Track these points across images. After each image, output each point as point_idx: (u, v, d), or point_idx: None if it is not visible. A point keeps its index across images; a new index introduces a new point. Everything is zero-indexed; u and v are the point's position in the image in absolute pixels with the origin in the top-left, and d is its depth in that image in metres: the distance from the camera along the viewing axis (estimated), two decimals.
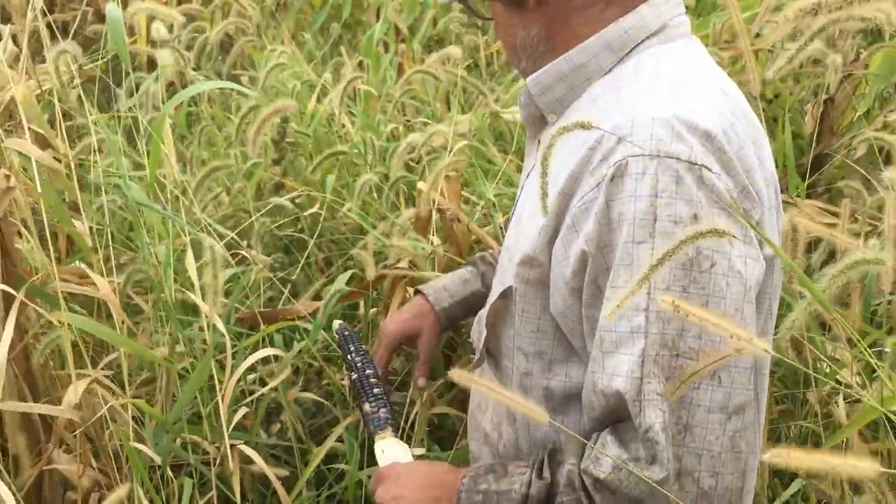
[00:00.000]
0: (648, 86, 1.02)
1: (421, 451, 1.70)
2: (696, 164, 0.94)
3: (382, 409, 1.35)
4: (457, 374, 0.93)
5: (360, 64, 3.54)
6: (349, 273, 1.73)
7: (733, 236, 0.93)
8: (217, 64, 4.02)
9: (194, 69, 3.19)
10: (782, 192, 2.38)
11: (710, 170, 0.95)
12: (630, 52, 1.07)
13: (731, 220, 0.95)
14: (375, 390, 1.38)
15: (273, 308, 2.03)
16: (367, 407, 1.36)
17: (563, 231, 1.02)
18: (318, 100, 2.56)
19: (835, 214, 1.73)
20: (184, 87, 3.10)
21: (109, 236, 1.54)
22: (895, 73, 2.38)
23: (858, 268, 0.89)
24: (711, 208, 0.94)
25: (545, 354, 1.11)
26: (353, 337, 1.44)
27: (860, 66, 2.56)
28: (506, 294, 1.13)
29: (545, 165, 0.90)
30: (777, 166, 2.34)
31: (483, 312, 1.24)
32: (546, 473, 1.05)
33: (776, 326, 1.11)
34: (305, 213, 2.18)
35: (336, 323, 1.48)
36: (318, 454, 1.60)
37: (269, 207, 2.09)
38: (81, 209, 1.48)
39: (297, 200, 2.29)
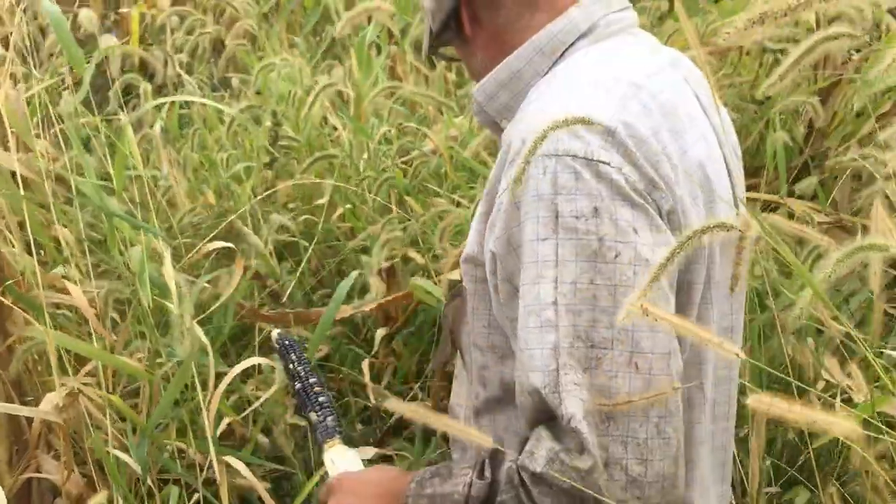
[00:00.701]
0: (559, 86, 1.07)
1: (371, 452, 1.68)
2: (593, 159, 0.97)
3: (329, 418, 1.31)
4: (392, 404, 0.97)
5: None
6: (353, 276, 1.70)
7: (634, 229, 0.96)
8: (209, 66, 4.02)
9: (186, 71, 3.19)
10: (774, 193, 2.40)
11: (608, 164, 0.97)
12: (563, 54, 1.11)
13: (636, 211, 0.98)
14: (321, 399, 1.33)
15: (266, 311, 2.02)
16: (313, 416, 1.30)
17: (487, 233, 1.05)
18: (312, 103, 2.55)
19: (833, 221, 1.73)
20: (175, 89, 3.10)
21: (86, 244, 1.53)
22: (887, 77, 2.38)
23: (863, 253, 0.90)
24: (613, 201, 0.97)
25: (497, 348, 1.12)
26: (294, 346, 1.37)
27: (851, 68, 2.56)
28: (460, 293, 1.16)
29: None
30: (768, 169, 2.35)
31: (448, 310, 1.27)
32: (487, 473, 1.04)
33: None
34: (299, 219, 2.18)
35: (274, 332, 1.40)
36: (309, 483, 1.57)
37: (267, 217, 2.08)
38: (55, 217, 1.47)
39: (289, 205, 2.28)
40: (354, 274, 1.71)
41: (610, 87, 1.04)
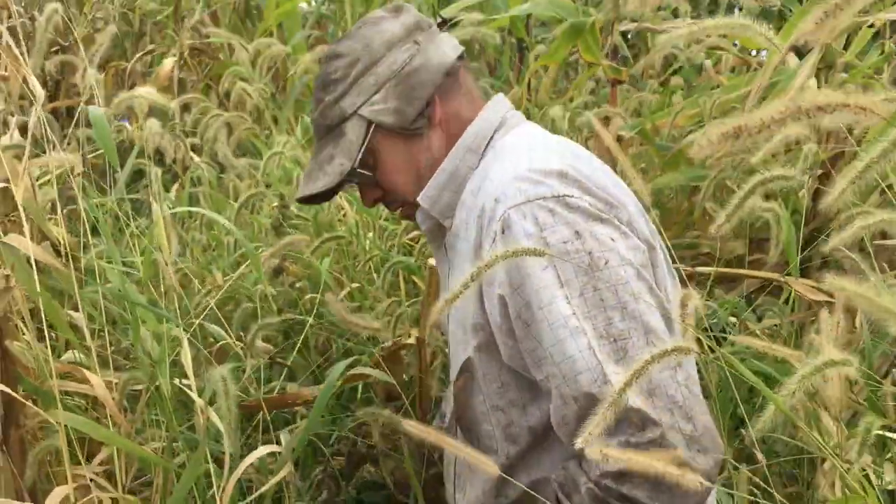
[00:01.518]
0: (506, 159, 1.26)
1: None
2: (560, 195, 1.16)
3: None
4: (412, 426, 0.99)
5: None
6: (349, 360, 1.72)
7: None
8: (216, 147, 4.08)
9: (194, 153, 3.24)
10: (783, 267, 2.40)
11: (572, 196, 1.16)
12: (486, 147, 1.31)
13: (606, 225, 1.15)
14: None
15: (271, 393, 2.01)
16: None
17: (485, 290, 1.19)
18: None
19: (829, 294, 1.73)
20: (184, 171, 3.15)
21: (106, 329, 1.54)
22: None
23: (827, 369, 0.94)
24: (587, 222, 1.14)
25: (516, 402, 1.24)
26: None
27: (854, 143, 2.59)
28: (465, 367, 1.27)
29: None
30: (776, 243, 2.36)
31: (449, 392, 1.35)
32: None
33: None
34: (305, 298, 2.18)
35: None
36: None
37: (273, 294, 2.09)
38: (78, 302, 1.48)
39: (296, 285, 2.29)
40: (345, 362, 1.70)
41: (546, 147, 1.27)
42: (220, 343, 1.87)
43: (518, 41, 3.90)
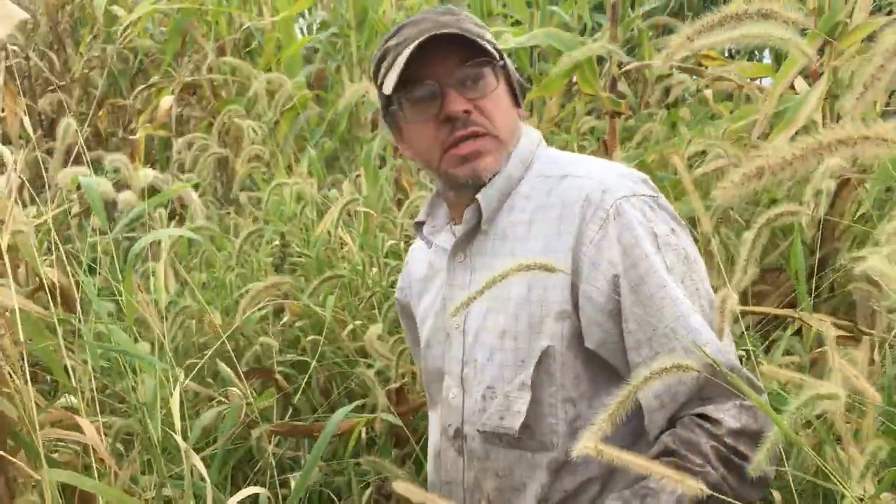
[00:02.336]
0: (584, 162, 1.38)
1: None
2: (654, 196, 1.32)
3: None
4: (404, 488, 1.00)
5: (359, 178, 3.57)
6: (350, 406, 1.66)
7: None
8: (215, 183, 4.07)
9: (195, 189, 3.22)
10: (795, 301, 2.36)
11: (661, 198, 1.32)
12: (531, 159, 1.40)
13: (685, 230, 1.33)
14: None
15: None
16: None
17: (586, 274, 1.26)
18: (319, 217, 2.56)
19: (848, 329, 1.68)
20: (183, 208, 3.12)
21: (93, 373, 1.50)
22: (892, 176, 2.39)
23: (819, 401, 0.96)
24: (676, 223, 1.31)
25: (586, 394, 1.29)
26: None
27: (858, 168, 2.56)
28: (542, 358, 1.29)
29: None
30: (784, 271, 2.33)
31: (498, 398, 1.32)
32: (696, 464, 1.16)
33: None
34: (307, 339, 2.14)
35: None
36: None
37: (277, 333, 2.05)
38: (62, 347, 1.44)
39: (298, 324, 2.25)
40: (346, 409, 1.65)
41: (607, 161, 1.43)
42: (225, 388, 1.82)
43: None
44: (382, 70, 1.37)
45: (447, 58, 1.32)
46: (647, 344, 1.24)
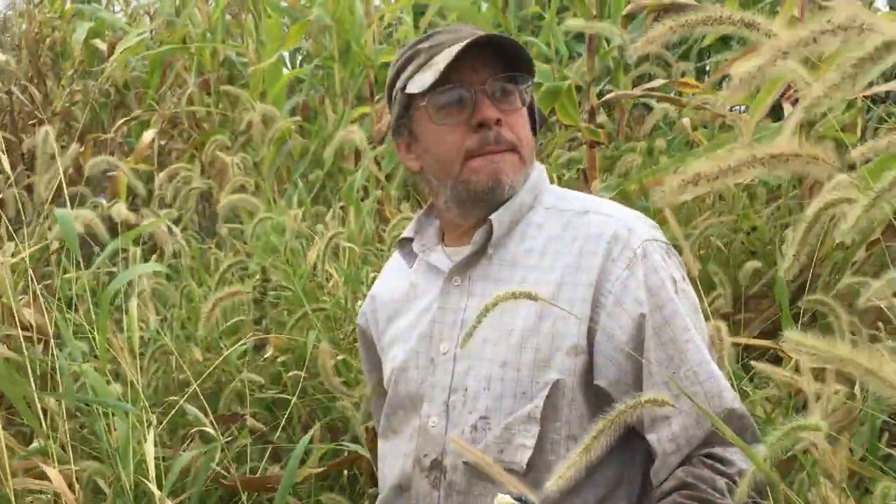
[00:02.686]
0: (595, 200, 1.41)
1: None
2: (669, 244, 1.35)
3: None
4: None
5: (343, 209, 3.57)
6: (304, 440, 1.62)
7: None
8: (197, 216, 4.06)
9: (176, 222, 3.21)
10: (779, 327, 2.36)
11: (672, 247, 1.36)
12: (539, 189, 1.40)
13: (685, 274, 1.35)
14: None
15: (255, 473, 1.95)
16: None
17: (609, 309, 1.26)
18: (303, 250, 2.56)
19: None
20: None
21: (67, 415, 1.48)
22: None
23: (800, 432, 0.96)
24: (682, 270, 1.34)
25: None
26: None
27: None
28: (552, 391, 1.27)
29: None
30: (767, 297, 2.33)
31: (505, 437, 1.28)
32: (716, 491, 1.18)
33: None
34: (288, 375, 2.13)
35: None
36: None
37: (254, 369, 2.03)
38: (35, 394, 1.42)
39: (279, 359, 2.24)
40: (304, 443, 1.61)
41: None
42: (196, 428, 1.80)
43: None
44: (410, 69, 1.34)
45: (483, 66, 1.31)
46: (665, 387, 1.22)
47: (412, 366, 1.38)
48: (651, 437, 1.24)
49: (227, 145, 3.80)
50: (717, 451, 1.22)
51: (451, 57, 1.27)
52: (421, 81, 1.30)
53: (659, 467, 1.24)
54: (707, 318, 1.35)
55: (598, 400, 1.26)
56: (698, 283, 1.65)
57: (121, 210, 1.80)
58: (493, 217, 1.32)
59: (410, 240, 1.45)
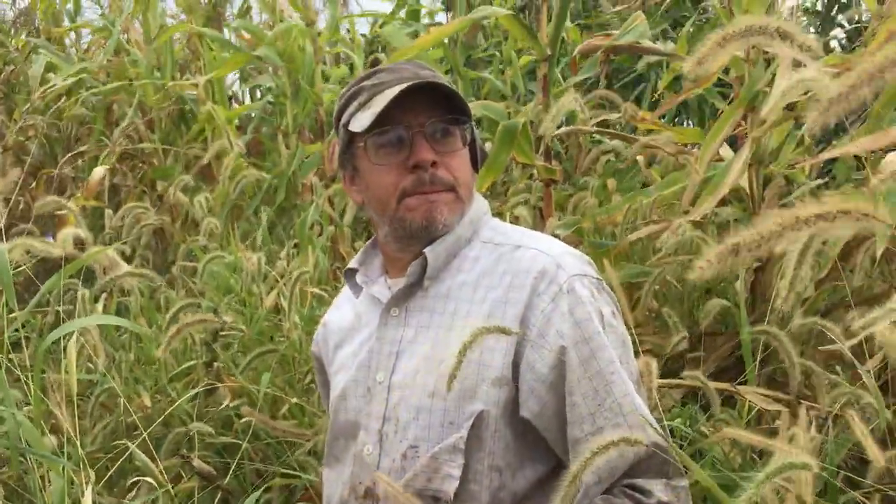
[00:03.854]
0: (534, 237, 1.41)
1: None
2: (599, 279, 1.37)
3: None
4: None
5: (295, 246, 3.53)
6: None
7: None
8: (150, 254, 3.98)
9: (127, 259, 3.14)
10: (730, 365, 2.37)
11: (603, 282, 1.37)
12: (479, 224, 1.42)
13: (618, 310, 1.37)
14: None
15: None
16: None
17: (533, 341, 1.28)
18: (259, 291, 2.52)
19: (783, 402, 1.70)
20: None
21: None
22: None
23: (788, 471, 0.95)
24: (613, 305, 1.36)
25: (512, 464, 1.29)
26: None
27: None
28: (476, 422, 1.28)
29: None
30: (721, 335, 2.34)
31: (427, 463, 1.29)
32: None
33: None
34: (241, 420, 2.08)
35: None
36: None
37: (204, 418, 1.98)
38: None
39: (231, 404, 2.19)
40: (255, 495, 1.58)
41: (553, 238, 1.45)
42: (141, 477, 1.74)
43: None
44: (353, 107, 1.37)
45: (422, 108, 1.33)
46: (590, 419, 1.25)
47: (351, 394, 1.41)
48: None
49: (190, 185, 3.76)
50: (639, 482, 1.24)
51: (388, 101, 1.30)
52: (361, 121, 1.34)
53: (580, 499, 1.24)
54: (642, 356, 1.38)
55: (523, 431, 1.29)
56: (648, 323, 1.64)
57: (68, 238, 1.72)
58: (426, 251, 1.35)
59: (356, 270, 1.47)
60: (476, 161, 1.43)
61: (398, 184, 1.34)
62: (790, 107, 2.73)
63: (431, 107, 1.34)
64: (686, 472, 1.26)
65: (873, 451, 1.20)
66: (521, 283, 1.31)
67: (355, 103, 1.37)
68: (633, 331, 2.65)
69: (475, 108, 2.70)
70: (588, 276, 1.33)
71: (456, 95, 1.35)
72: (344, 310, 1.50)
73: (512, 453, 1.29)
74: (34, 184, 5.03)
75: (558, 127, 2.88)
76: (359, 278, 1.45)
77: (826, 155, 2.19)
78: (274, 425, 1.88)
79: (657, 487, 1.24)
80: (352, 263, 1.47)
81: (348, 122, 1.37)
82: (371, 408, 1.36)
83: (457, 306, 1.34)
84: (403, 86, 1.31)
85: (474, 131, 1.41)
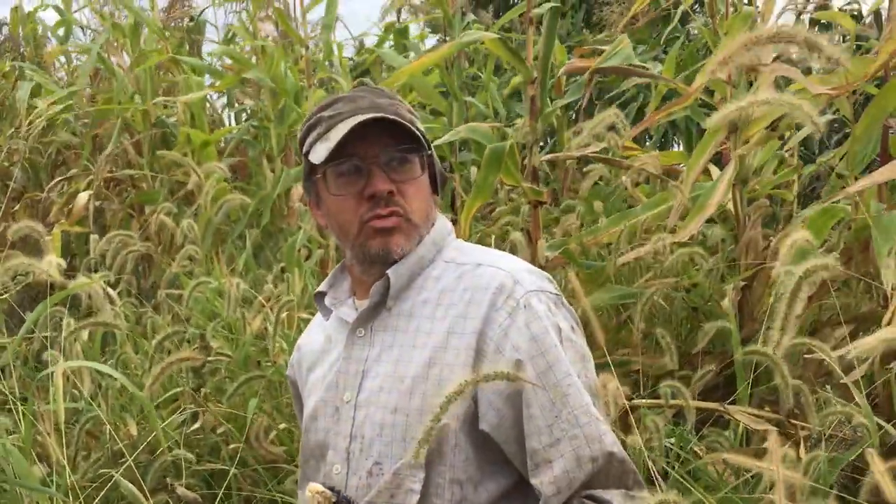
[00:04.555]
0: (494, 255, 1.43)
1: None
2: (558, 294, 1.39)
3: None
4: None
5: (283, 270, 3.52)
6: None
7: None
8: (136, 279, 3.95)
9: (112, 286, 3.12)
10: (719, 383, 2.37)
11: (562, 297, 1.39)
12: (442, 244, 1.44)
13: (578, 326, 1.40)
14: None
15: None
16: None
17: (490, 356, 1.30)
18: (244, 317, 2.50)
19: (774, 422, 1.70)
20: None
21: None
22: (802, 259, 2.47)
23: None
24: (574, 322, 1.38)
25: (473, 478, 1.31)
26: None
27: (771, 255, 2.64)
28: (439, 435, 1.29)
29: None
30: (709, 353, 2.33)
31: (391, 479, 1.31)
32: None
33: None
34: (229, 447, 2.05)
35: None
36: None
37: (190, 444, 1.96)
38: None
39: (218, 430, 2.16)
40: None
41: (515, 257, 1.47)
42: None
43: (441, 161, 3.95)
44: (312, 137, 1.40)
45: (378, 138, 1.36)
46: (547, 431, 1.27)
47: (321, 415, 1.43)
48: (534, 482, 1.28)
49: (173, 211, 3.74)
50: (598, 493, 1.27)
51: (342, 135, 1.34)
52: (318, 153, 1.37)
53: None
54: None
55: (484, 444, 1.31)
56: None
57: (52, 264, 1.70)
58: (389, 272, 1.38)
59: (325, 294, 1.49)
60: (436, 184, 1.46)
61: (357, 212, 1.37)
62: (773, 126, 2.76)
63: (388, 136, 1.36)
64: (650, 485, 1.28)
65: (889, 490, 1.17)
66: (479, 298, 1.34)
67: (314, 134, 1.40)
68: (622, 353, 2.68)
69: (463, 130, 2.70)
70: (545, 291, 1.36)
71: (411, 127, 1.37)
72: (316, 333, 1.53)
73: (473, 466, 1.31)
74: (16, 208, 5.00)
75: (547, 152, 2.90)
76: (328, 301, 1.47)
77: (856, 186, 2.20)
78: (268, 448, 1.86)
79: (616, 498, 1.26)
80: (321, 287, 1.50)
81: (308, 152, 1.40)
82: (339, 427, 1.38)
83: (419, 324, 1.36)
84: (357, 120, 1.34)
85: (433, 155, 1.44)
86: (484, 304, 1.33)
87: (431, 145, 1.43)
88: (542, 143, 4.66)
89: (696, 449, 1.69)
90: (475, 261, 1.40)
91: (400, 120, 1.36)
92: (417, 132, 1.38)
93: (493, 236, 2.88)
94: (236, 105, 5.21)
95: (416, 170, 1.39)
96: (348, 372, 1.40)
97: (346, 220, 1.39)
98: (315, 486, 1.30)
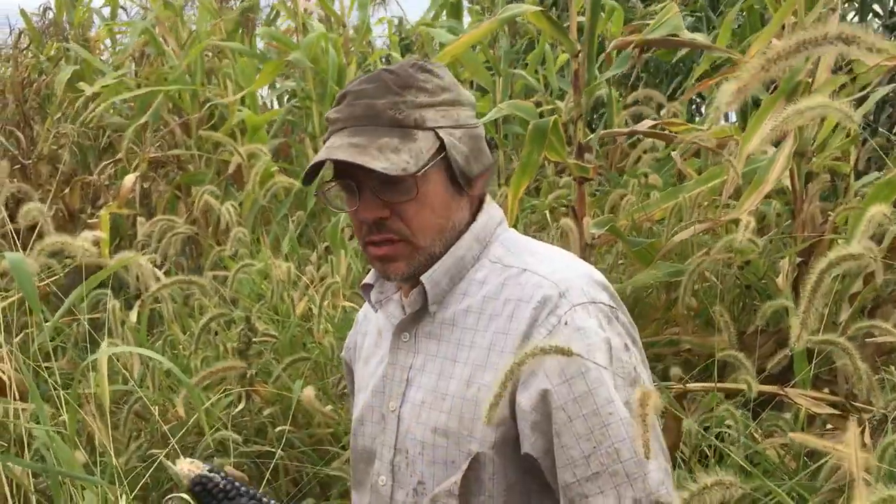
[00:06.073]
0: (546, 257, 1.30)
1: None
2: (613, 307, 1.26)
3: None
4: None
5: (327, 250, 3.51)
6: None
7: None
8: (184, 260, 3.99)
9: (159, 266, 3.14)
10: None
11: (620, 311, 1.26)
12: (490, 239, 1.32)
13: (636, 347, 1.26)
14: None
15: None
16: None
17: (523, 379, 1.19)
18: (290, 298, 2.50)
19: (837, 405, 1.63)
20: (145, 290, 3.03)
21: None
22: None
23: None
24: (630, 340, 1.25)
25: None
26: (216, 489, 1.19)
27: (829, 229, 2.55)
28: (472, 464, 1.22)
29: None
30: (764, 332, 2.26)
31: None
32: None
33: None
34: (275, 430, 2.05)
35: (186, 480, 1.18)
36: None
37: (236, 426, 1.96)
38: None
39: (266, 411, 2.16)
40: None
41: (571, 255, 1.34)
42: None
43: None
44: (323, 140, 1.33)
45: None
46: (584, 463, 1.17)
47: (367, 421, 1.38)
48: None
49: (217, 194, 3.75)
50: None
51: (319, 159, 1.23)
52: (309, 170, 1.27)
53: None
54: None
55: (527, 469, 1.22)
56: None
57: (87, 239, 1.65)
58: (423, 278, 1.28)
59: (371, 286, 1.40)
60: (458, 180, 1.28)
61: (359, 231, 1.29)
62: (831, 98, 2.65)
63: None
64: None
65: None
66: (521, 314, 1.24)
67: (326, 135, 1.30)
68: (671, 332, 2.61)
69: (506, 107, 2.64)
70: (597, 302, 1.24)
71: (389, 168, 1.21)
72: (371, 323, 1.45)
73: (514, 496, 1.23)
74: (68, 190, 5.08)
75: (593, 129, 2.82)
76: (373, 296, 1.38)
77: None
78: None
79: None
80: (367, 279, 1.40)
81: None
82: (385, 437, 1.33)
83: (461, 336, 1.28)
84: (329, 155, 1.21)
85: (451, 151, 1.26)
86: (524, 320, 1.23)
87: (450, 134, 1.26)
88: (590, 119, 4.57)
89: (753, 434, 1.63)
90: (522, 264, 1.29)
91: (370, 162, 1.20)
92: (417, 130, 1.24)
93: (547, 212, 2.81)
94: (277, 88, 5.20)
95: (412, 190, 1.24)
96: (394, 378, 1.34)
97: (356, 230, 1.30)
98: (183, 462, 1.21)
